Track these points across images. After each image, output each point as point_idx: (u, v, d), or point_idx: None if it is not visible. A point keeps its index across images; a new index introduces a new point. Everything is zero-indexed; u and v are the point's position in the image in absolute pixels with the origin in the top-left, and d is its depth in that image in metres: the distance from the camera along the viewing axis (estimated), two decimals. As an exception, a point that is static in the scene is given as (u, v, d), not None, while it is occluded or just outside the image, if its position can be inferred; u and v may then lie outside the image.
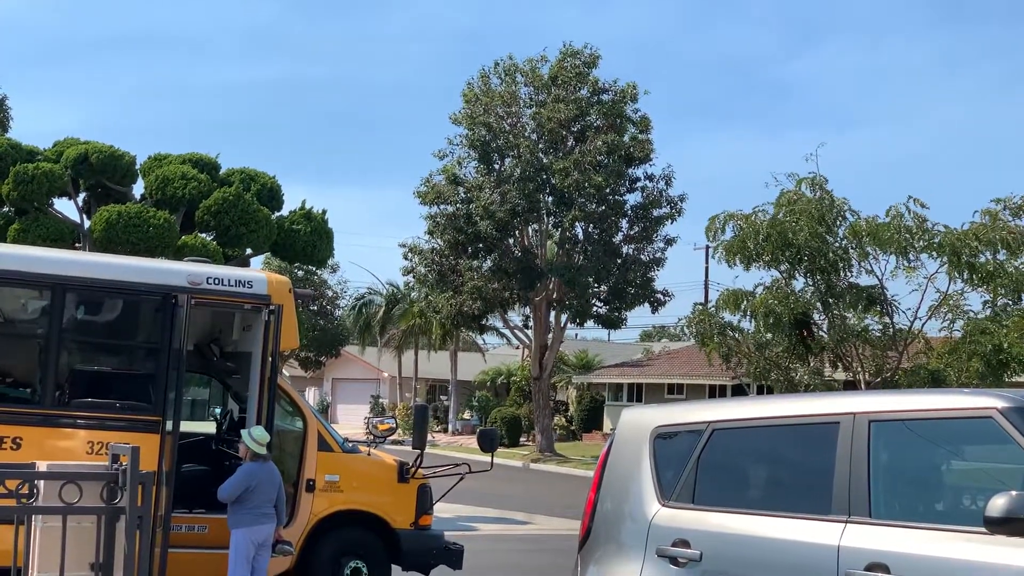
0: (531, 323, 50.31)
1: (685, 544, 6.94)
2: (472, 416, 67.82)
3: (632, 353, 73.07)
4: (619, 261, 46.71)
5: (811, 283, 15.50)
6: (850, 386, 15.28)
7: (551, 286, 47.46)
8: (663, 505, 7.24)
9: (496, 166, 46.83)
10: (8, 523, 6.27)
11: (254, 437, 12.50)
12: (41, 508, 6.18)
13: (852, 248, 15.12)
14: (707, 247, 56.18)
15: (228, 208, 29.87)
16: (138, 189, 32.01)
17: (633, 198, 47.55)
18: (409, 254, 48.68)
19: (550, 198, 45.98)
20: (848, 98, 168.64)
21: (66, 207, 32.23)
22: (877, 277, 15.31)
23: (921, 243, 14.46)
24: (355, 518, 14.14)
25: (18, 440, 12.21)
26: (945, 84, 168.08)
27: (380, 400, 75.07)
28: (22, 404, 12.83)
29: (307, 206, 32.51)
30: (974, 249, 14.18)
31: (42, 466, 6.42)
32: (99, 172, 30.67)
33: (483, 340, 70.60)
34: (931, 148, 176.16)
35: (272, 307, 13.26)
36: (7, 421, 12.37)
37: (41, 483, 6.20)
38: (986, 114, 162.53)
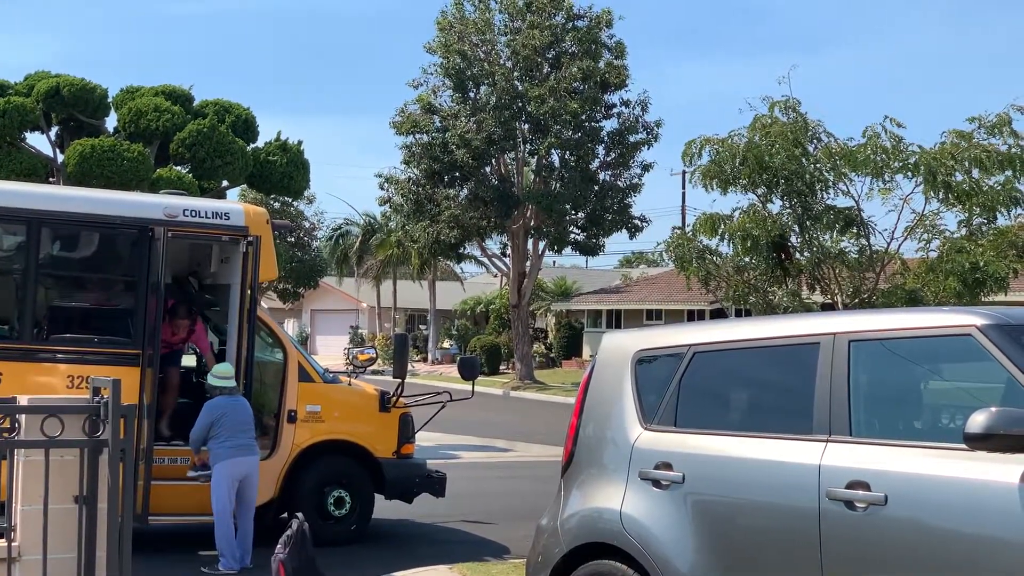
0: (509, 251, 50.28)
1: (668, 467, 6.97)
2: (452, 345, 68.02)
3: (610, 279, 73.14)
4: (596, 188, 46.65)
5: (788, 206, 15.43)
6: (828, 308, 15.27)
7: (528, 214, 47.39)
8: (645, 428, 7.26)
9: (471, 94, 46.60)
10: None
11: (217, 375, 12.50)
12: (23, 442, 6.16)
13: (827, 171, 15.02)
14: (684, 172, 56.23)
15: (203, 140, 29.65)
16: (111, 122, 31.75)
17: (609, 124, 47.48)
18: (385, 184, 48.55)
19: (526, 125, 45.83)
20: (822, 19, 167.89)
21: (39, 141, 32.08)
22: (853, 199, 15.24)
23: (896, 164, 14.39)
24: (337, 448, 14.19)
25: (-3, 375, 12.19)
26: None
27: (359, 331, 75.10)
28: (0, 340, 12.82)
29: (283, 137, 32.29)
30: (950, 168, 14.13)
31: (23, 400, 6.40)
32: (71, 105, 30.39)
33: (461, 269, 70.70)
34: (907, 69, 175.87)
35: (250, 238, 13.22)
36: (-15, 357, 12.36)
37: (23, 417, 6.19)
38: (960, 35, 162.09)
